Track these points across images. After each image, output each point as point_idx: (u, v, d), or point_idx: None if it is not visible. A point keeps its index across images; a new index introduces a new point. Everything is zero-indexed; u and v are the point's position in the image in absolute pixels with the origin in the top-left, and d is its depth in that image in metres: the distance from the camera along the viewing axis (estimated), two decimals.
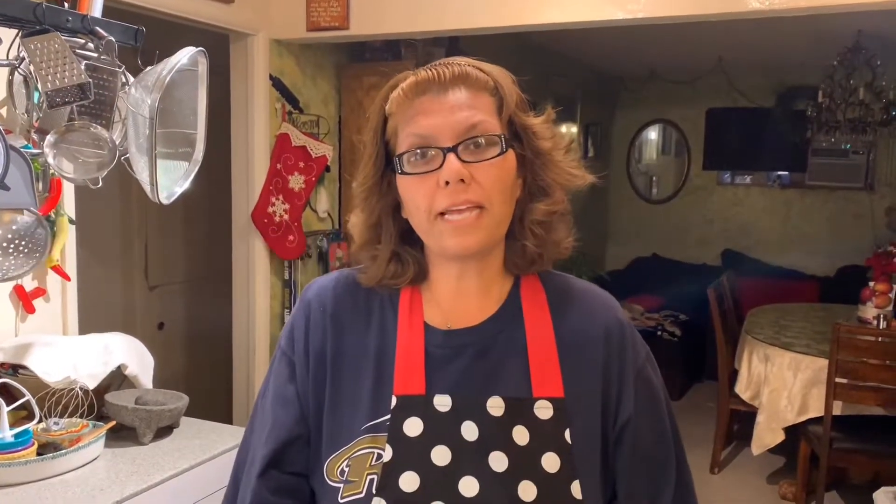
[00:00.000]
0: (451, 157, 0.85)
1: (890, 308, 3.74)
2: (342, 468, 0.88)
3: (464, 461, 0.85)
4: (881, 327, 3.58)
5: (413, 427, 0.86)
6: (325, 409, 0.92)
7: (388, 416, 0.87)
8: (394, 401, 0.87)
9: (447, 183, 0.85)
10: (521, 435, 0.86)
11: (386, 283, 0.95)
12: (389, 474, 0.84)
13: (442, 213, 0.86)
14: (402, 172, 0.89)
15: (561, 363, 0.90)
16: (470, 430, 0.86)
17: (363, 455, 0.87)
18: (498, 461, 0.85)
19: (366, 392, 0.90)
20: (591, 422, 0.90)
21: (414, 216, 0.90)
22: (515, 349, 0.91)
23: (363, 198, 0.94)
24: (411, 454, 0.85)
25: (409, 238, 0.94)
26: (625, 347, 0.95)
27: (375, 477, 0.85)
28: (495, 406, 0.87)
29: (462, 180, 0.85)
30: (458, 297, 0.94)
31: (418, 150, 0.87)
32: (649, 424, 0.95)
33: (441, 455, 0.85)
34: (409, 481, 0.84)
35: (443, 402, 0.87)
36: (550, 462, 0.86)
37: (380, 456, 0.86)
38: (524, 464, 0.85)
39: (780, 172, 6.18)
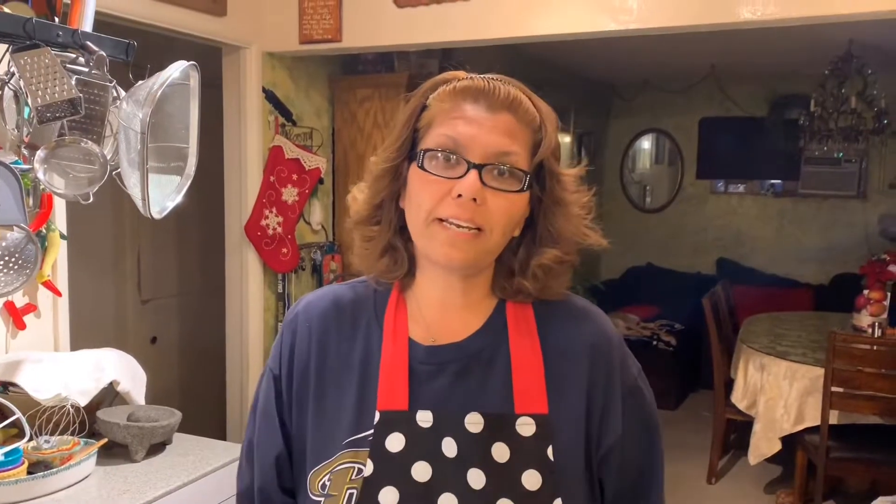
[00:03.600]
0: (474, 174, 0.85)
1: (885, 316, 3.75)
2: (323, 482, 0.88)
3: (443, 477, 0.85)
4: (876, 335, 3.57)
5: (395, 442, 0.86)
6: (307, 425, 0.93)
7: (371, 432, 0.87)
8: (377, 416, 0.87)
9: (460, 196, 0.85)
10: (500, 452, 0.86)
11: (377, 276, 0.95)
12: (369, 489, 0.84)
13: (440, 219, 0.86)
14: (421, 167, 0.88)
15: (546, 379, 0.89)
16: (449, 447, 0.86)
17: (344, 469, 0.87)
18: (476, 478, 0.85)
19: (349, 407, 0.90)
20: (575, 439, 0.89)
21: (412, 212, 0.89)
22: (499, 366, 0.90)
23: (376, 176, 0.94)
24: (392, 469, 0.85)
25: (406, 231, 0.93)
26: (612, 364, 0.93)
27: (355, 491, 0.85)
28: (473, 422, 0.87)
29: (474, 199, 0.85)
30: (442, 311, 0.93)
31: (441, 153, 0.87)
32: (638, 447, 0.94)
33: (421, 471, 0.85)
34: (388, 496, 0.84)
35: (425, 418, 0.87)
36: (531, 480, 0.85)
37: (360, 470, 0.86)
38: (503, 481, 0.85)
39: (773, 181, 6.20)
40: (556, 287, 0.94)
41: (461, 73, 0.92)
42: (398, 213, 0.93)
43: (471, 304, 0.93)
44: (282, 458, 0.96)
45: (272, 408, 0.96)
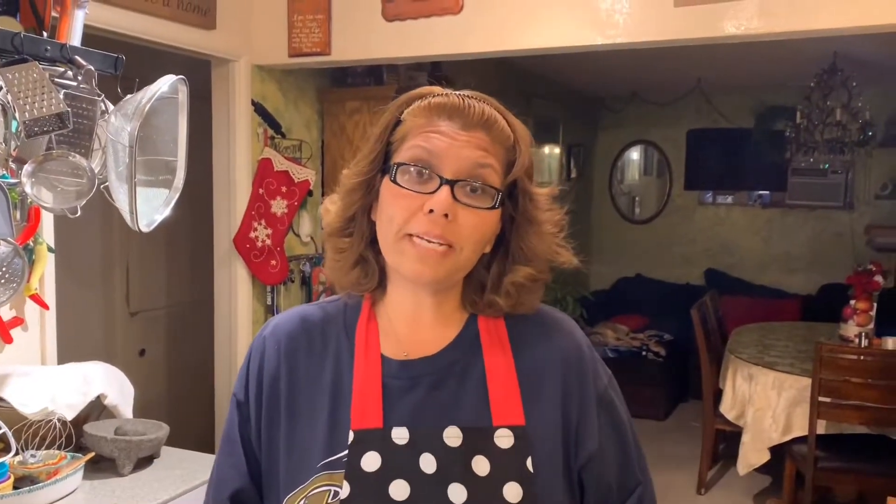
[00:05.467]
0: (446, 189, 0.85)
1: (871, 326, 3.77)
2: None
3: (423, 495, 0.83)
4: (863, 345, 3.59)
5: (371, 462, 0.84)
6: (280, 448, 0.91)
7: (345, 452, 0.85)
8: (351, 435, 0.86)
9: (431, 211, 0.84)
10: (480, 465, 0.85)
11: (348, 288, 0.95)
12: None
13: (411, 235, 0.86)
14: (394, 181, 0.87)
15: (521, 391, 0.89)
16: (428, 463, 0.85)
17: (320, 493, 0.85)
18: (457, 493, 0.83)
19: (321, 428, 0.88)
20: (553, 449, 0.89)
21: (383, 226, 0.89)
22: (474, 378, 0.90)
23: (348, 189, 0.93)
24: (369, 490, 0.83)
25: (378, 243, 0.92)
26: (584, 374, 0.94)
27: None
28: (452, 436, 0.86)
29: (446, 215, 0.84)
30: (413, 325, 0.93)
31: (414, 168, 0.86)
32: (614, 454, 0.95)
33: (400, 489, 0.83)
34: None
35: (400, 435, 0.86)
36: (512, 492, 0.84)
37: (336, 493, 0.84)
38: (485, 494, 0.84)
39: (760, 192, 6.25)
40: (529, 303, 0.94)
41: (436, 89, 0.92)
42: (370, 226, 0.93)
43: (442, 317, 0.93)
44: (242, 493, 0.94)
45: (236, 434, 0.95)
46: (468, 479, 0.84)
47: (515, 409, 0.88)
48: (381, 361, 0.90)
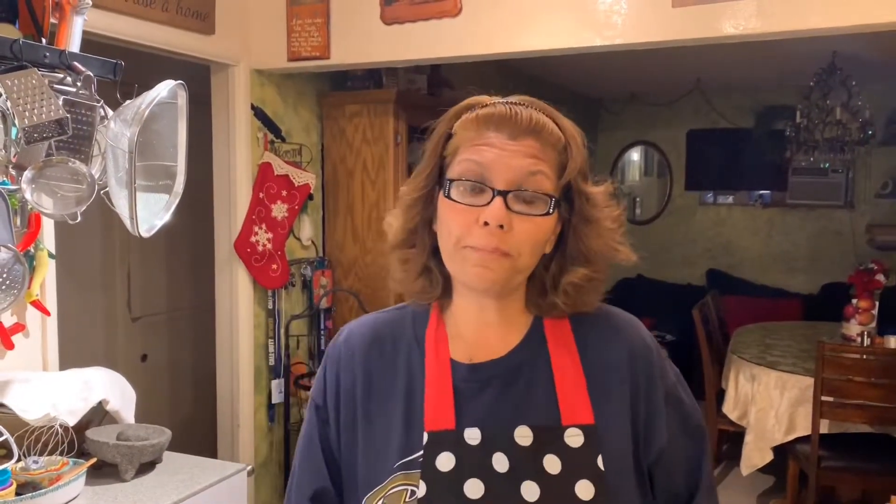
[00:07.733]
0: (499, 200, 0.87)
1: (873, 325, 3.76)
2: None
3: (497, 493, 0.86)
4: (865, 344, 3.59)
5: (446, 462, 0.88)
6: (358, 450, 0.95)
7: (420, 453, 0.89)
8: (425, 437, 0.89)
9: (486, 224, 0.86)
10: (552, 464, 0.87)
11: (414, 297, 0.99)
12: None
13: (468, 247, 0.88)
14: (448, 196, 0.90)
15: (589, 389, 0.91)
16: (500, 462, 0.87)
17: (397, 492, 0.89)
18: (530, 491, 0.86)
19: (397, 430, 0.92)
20: (622, 447, 0.91)
21: (444, 239, 0.92)
22: (541, 378, 0.92)
23: (408, 204, 0.96)
24: (445, 489, 0.86)
25: (440, 253, 0.95)
26: (652, 371, 0.95)
27: None
28: (523, 436, 0.89)
29: (501, 226, 0.86)
30: (480, 330, 0.95)
31: (467, 182, 0.88)
32: (683, 450, 0.97)
33: (474, 488, 0.86)
34: None
35: (472, 436, 0.89)
36: (584, 489, 0.86)
37: (413, 492, 0.87)
38: (557, 492, 0.86)
39: (761, 191, 6.25)
40: (590, 302, 0.96)
41: (484, 99, 0.94)
42: (431, 237, 0.95)
43: (507, 320, 0.95)
44: (322, 493, 0.98)
45: (315, 437, 0.99)
46: (541, 477, 0.87)
47: (584, 408, 0.90)
48: (450, 366, 0.93)
